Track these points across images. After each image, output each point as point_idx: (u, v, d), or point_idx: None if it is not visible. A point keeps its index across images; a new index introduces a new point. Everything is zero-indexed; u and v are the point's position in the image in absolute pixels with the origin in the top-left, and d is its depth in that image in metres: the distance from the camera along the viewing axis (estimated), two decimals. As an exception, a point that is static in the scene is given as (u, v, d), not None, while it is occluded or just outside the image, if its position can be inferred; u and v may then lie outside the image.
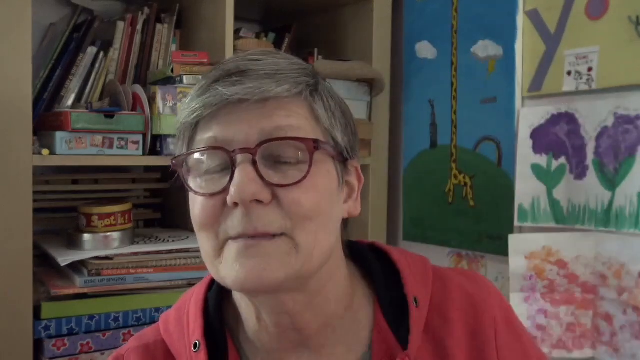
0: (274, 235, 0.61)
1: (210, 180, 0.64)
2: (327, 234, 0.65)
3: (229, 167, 0.62)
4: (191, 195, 0.67)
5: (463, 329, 0.70)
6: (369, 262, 0.74)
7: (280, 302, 0.66)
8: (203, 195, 0.64)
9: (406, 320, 0.69)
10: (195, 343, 0.69)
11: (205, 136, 0.64)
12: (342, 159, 0.68)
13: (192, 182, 0.66)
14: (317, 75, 0.69)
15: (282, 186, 0.61)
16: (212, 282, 0.76)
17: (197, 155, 0.65)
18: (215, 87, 0.63)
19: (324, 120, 0.66)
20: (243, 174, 0.61)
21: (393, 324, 0.69)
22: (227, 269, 0.62)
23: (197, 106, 0.64)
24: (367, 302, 0.72)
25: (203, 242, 0.65)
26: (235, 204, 0.61)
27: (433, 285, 0.73)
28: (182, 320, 0.73)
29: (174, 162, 0.67)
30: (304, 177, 0.61)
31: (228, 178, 0.62)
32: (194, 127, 0.66)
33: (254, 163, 0.61)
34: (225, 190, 0.62)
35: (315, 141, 0.63)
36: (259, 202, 0.61)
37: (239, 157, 0.62)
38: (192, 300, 0.75)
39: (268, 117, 0.62)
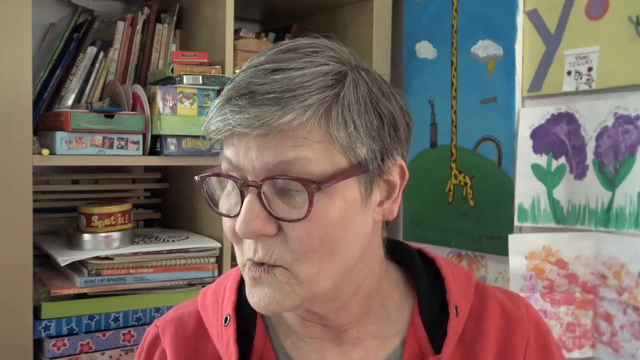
0: (273, 266, 0.63)
1: (232, 200, 0.65)
2: (337, 258, 0.63)
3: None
4: None
5: (495, 342, 0.71)
6: (415, 265, 0.75)
7: (307, 308, 0.68)
8: (224, 215, 0.65)
9: (443, 326, 0.70)
10: (226, 317, 0.71)
11: (225, 155, 0.65)
12: (371, 168, 0.64)
13: (222, 199, 0.67)
14: (344, 74, 0.63)
15: (284, 221, 0.61)
16: None
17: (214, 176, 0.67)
18: (225, 111, 0.61)
19: (342, 138, 0.61)
20: (248, 209, 0.61)
21: (430, 328, 0.70)
22: (246, 289, 0.66)
23: (211, 127, 0.64)
24: (406, 303, 0.73)
25: (236, 253, 0.68)
26: None
27: (474, 297, 0.74)
28: (219, 294, 0.75)
29: (198, 179, 0.68)
30: (305, 217, 0.60)
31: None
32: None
33: (261, 195, 0.61)
34: (237, 215, 0.63)
35: (315, 182, 0.60)
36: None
37: (246, 189, 0.62)
38: (231, 276, 0.77)
39: (272, 149, 0.60)
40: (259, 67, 0.62)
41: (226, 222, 0.65)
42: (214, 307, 0.74)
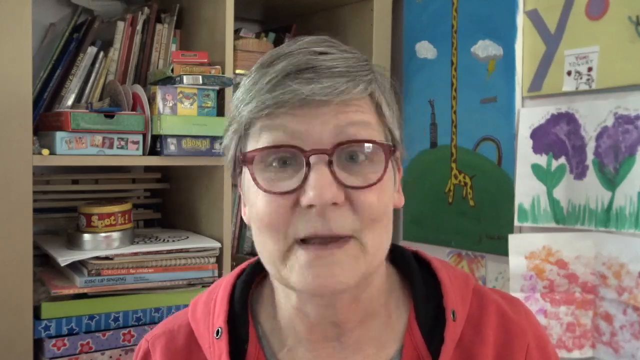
0: (343, 239, 0.62)
1: (277, 178, 0.63)
2: (388, 233, 0.66)
3: (300, 165, 0.62)
4: (250, 190, 0.65)
5: (494, 348, 0.70)
6: (411, 269, 0.74)
7: (335, 298, 0.66)
8: (274, 193, 0.62)
9: (440, 331, 0.69)
10: (218, 330, 0.70)
11: (273, 130, 0.62)
12: (399, 152, 0.69)
13: (259, 177, 0.63)
14: (371, 65, 0.68)
15: (356, 188, 0.61)
16: (244, 269, 0.76)
17: (266, 150, 0.63)
18: (288, 84, 0.61)
19: (388, 117, 0.67)
20: (321, 176, 0.60)
21: (426, 333, 0.69)
22: (297, 275, 0.62)
23: (269, 102, 0.62)
24: (402, 308, 0.72)
25: (267, 242, 0.64)
26: (310, 205, 0.60)
27: (472, 301, 0.73)
28: (210, 305, 0.73)
29: (241, 157, 0.65)
30: (379, 180, 0.62)
31: (298, 176, 0.61)
32: (256, 120, 0.64)
33: (330, 164, 0.61)
34: (297, 189, 0.61)
35: (392, 147, 0.64)
36: (334, 203, 0.61)
37: (314, 158, 0.61)
38: (222, 286, 0.75)
39: (341, 113, 0.62)
40: (303, 49, 0.64)
41: (272, 203, 0.62)
42: (205, 318, 0.72)
